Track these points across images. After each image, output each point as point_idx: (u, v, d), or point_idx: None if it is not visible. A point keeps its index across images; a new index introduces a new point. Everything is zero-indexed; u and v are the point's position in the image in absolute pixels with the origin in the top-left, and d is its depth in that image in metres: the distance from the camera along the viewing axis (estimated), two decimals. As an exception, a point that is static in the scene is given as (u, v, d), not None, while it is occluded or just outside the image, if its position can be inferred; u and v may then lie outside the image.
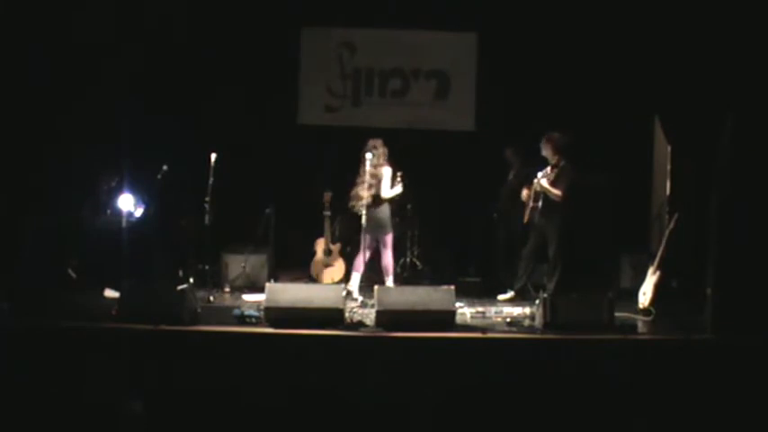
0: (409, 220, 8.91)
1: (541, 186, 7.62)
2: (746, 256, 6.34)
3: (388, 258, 7.79)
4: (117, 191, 8.09)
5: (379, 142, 7.69)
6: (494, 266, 8.84)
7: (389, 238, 7.79)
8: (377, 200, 7.60)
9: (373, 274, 7.97)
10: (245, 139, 9.02)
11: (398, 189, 7.72)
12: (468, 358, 5.98)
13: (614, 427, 5.77)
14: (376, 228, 7.63)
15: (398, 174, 7.73)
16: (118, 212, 8.00)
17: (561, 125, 8.01)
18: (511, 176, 8.91)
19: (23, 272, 7.31)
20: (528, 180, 7.94)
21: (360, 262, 7.70)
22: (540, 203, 7.69)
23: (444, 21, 9.48)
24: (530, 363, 5.98)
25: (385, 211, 7.71)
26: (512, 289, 7.92)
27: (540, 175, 7.64)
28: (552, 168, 7.68)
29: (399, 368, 5.86)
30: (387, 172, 7.67)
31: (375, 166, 7.58)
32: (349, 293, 7.36)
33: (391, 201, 7.77)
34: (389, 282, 7.75)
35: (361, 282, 7.69)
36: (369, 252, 7.70)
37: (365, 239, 7.56)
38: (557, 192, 7.62)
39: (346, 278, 7.98)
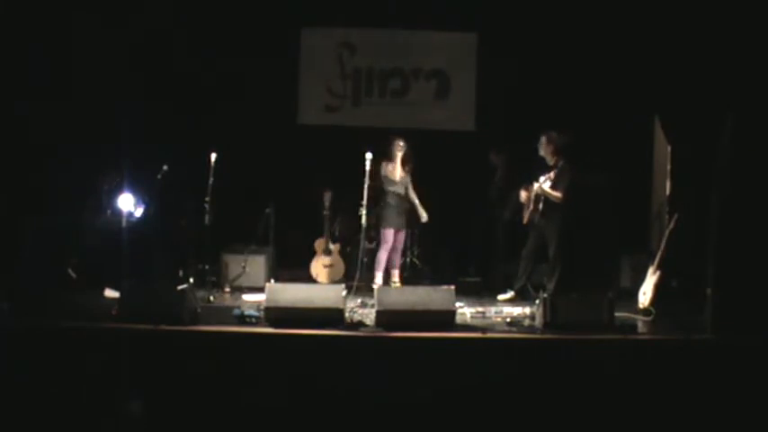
0: (409, 220, 8.90)
1: (542, 190, 7.60)
2: (746, 256, 6.34)
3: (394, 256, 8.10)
4: (117, 191, 8.08)
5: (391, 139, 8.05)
6: (493, 266, 8.86)
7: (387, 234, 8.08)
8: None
9: (371, 274, 7.99)
10: (245, 139, 9.02)
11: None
12: (468, 358, 5.97)
13: (614, 427, 5.77)
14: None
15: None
16: (118, 212, 8.00)
17: (561, 125, 8.01)
18: (497, 178, 8.94)
19: (23, 272, 7.31)
20: (520, 181, 7.94)
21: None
22: (540, 205, 7.68)
23: (444, 21, 9.49)
24: (530, 363, 5.98)
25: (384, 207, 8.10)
26: (512, 289, 7.92)
27: (542, 179, 7.60)
28: (551, 170, 7.66)
29: (399, 368, 5.85)
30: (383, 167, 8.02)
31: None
32: None
33: (385, 193, 8.10)
34: (379, 279, 7.89)
35: (361, 281, 7.69)
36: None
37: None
38: (557, 194, 7.61)
39: (346, 278, 7.98)
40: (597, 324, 6.33)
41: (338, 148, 8.89)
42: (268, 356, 5.91)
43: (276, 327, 6.18)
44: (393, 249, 8.13)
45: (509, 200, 8.45)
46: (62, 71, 8.42)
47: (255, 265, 8.17)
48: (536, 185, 7.65)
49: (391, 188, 8.06)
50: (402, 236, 8.23)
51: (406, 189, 8.17)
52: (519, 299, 7.81)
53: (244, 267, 8.13)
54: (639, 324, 6.73)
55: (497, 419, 5.76)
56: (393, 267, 8.15)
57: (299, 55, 9.72)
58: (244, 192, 8.70)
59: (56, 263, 7.64)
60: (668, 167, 8.21)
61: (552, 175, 7.60)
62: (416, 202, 8.21)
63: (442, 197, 9.19)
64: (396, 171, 8.04)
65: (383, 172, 8.02)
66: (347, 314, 6.56)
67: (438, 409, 5.76)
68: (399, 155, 8.02)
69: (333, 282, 8.02)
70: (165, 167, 7.89)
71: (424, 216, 8.23)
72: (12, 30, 7.87)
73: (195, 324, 6.27)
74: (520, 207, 7.97)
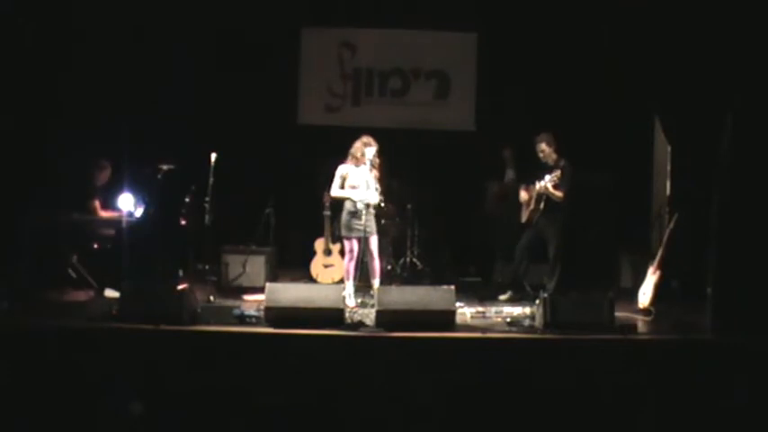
0: (409, 220, 8.91)
1: (546, 189, 7.58)
2: (746, 256, 6.34)
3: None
4: (111, 185, 8.05)
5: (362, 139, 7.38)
6: (493, 266, 8.86)
7: (350, 243, 7.40)
8: None
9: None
10: (245, 139, 9.03)
11: None
12: (469, 358, 5.98)
13: (614, 427, 5.77)
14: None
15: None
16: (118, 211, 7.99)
17: (561, 125, 8.02)
18: (509, 177, 8.93)
19: (23, 272, 7.30)
20: (525, 179, 7.94)
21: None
22: (541, 205, 7.68)
23: (444, 21, 9.49)
24: (530, 363, 5.98)
25: (343, 213, 7.40)
26: (511, 288, 7.92)
27: (547, 178, 7.57)
28: (553, 169, 7.64)
29: (399, 368, 5.86)
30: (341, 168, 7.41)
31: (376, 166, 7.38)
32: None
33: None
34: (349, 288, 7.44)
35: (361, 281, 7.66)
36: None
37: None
38: (559, 194, 7.60)
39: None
40: (597, 324, 6.33)
41: (338, 148, 8.88)
42: (268, 356, 5.91)
43: (276, 327, 6.18)
44: (369, 257, 7.37)
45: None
46: (62, 71, 8.42)
47: (255, 265, 8.16)
48: (539, 185, 7.62)
49: (352, 193, 7.27)
50: (373, 242, 7.33)
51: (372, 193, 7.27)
52: (512, 291, 7.82)
53: (244, 267, 8.12)
54: (639, 324, 6.72)
55: (497, 419, 5.76)
56: (373, 277, 7.39)
57: (299, 55, 9.73)
58: (244, 192, 8.70)
59: (56, 263, 7.64)
60: (668, 167, 8.21)
61: (556, 174, 7.54)
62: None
63: (442, 197, 9.21)
64: (359, 175, 7.27)
65: (341, 172, 7.33)
66: (347, 314, 6.57)
67: (438, 408, 5.76)
68: (368, 158, 7.22)
69: (333, 282, 8.01)
70: (165, 167, 7.87)
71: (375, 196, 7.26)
72: (8, 29, 7.86)
73: (195, 324, 6.27)
74: (518, 206, 7.97)
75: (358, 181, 7.28)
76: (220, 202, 7.52)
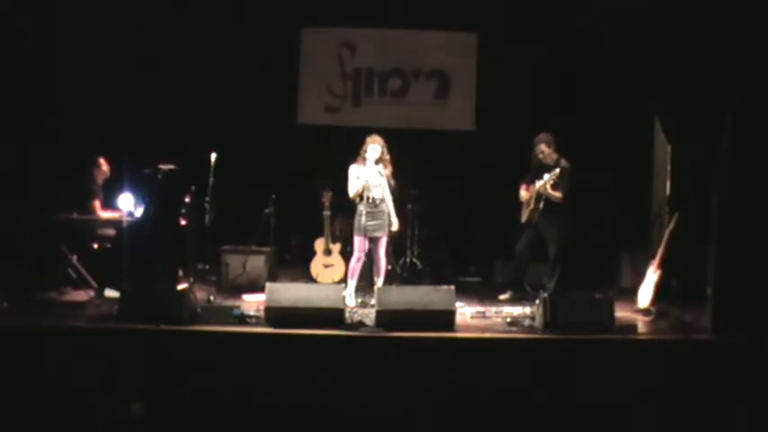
0: (409, 220, 8.90)
1: (545, 189, 7.57)
2: (747, 256, 6.34)
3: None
4: (112, 183, 8.04)
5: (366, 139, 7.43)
6: (492, 266, 8.86)
7: (356, 242, 7.43)
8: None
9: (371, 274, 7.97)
10: (245, 139, 9.02)
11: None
12: (468, 358, 5.98)
13: (615, 427, 5.77)
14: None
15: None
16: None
17: (561, 125, 8.01)
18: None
19: (23, 272, 7.30)
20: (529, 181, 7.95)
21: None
22: (540, 204, 7.67)
23: (444, 21, 9.48)
24: (530, 363, 5.98)
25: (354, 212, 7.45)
26: (511, 288, 7.92)
27: (546, 177, 7.56)
28: (551, 169, 7.62)
29: (399, 368, 5.86)
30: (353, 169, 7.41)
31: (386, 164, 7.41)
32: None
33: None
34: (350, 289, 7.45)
35: (361, 281, 7.66)
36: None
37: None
38: (558, 194, 7.59)
39: (346, 278, 7.96)
40: (597, 324, 6.33)
41: (338, 148, 8.88)
42: (268, 356, 5.92)
43: (276, 327, 6.19)
44: (374, 258, 7.45)
45: None
46: (62, 70, 8.42)
47: (255, 265, 8.16)
48: (538, 184, 7.61)
49: (362, 192, 7.27)
50: (380, 243, 7.36)
51: (382, 193, 7.32)
52: (513, 291, 7.81)
53: (244, 267, 8.12)
54: (639, 324, 6.73)
55: (497, 419, 5.76)
56: (377, 276, 7.48)
57: (299, 55, 9.72)
58: (244, 192, 8.70)
59: (55, 263, 7.63)
60: (668, 167, 8.21)
61: (554, 173, 7.53)
62: (391, 207, 7.41)
63: (442, 197, 9.21)
64: (367, 174, 7.26)
65: (354, 173, 7.31)
66: (347, 314, 6.56)
67: (438, 409, 5.76)
68: (373, 156, 7.25)
69: (333, 282, 8.01)
70: (166, 167, 7.85)
71: (394, 224, 7.45)
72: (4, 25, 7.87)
73: (195, 324, 6.27)
74: (519, 205, 7.96)
75: (367, 181, 7.30)
76: (220, 202, 7.52)
